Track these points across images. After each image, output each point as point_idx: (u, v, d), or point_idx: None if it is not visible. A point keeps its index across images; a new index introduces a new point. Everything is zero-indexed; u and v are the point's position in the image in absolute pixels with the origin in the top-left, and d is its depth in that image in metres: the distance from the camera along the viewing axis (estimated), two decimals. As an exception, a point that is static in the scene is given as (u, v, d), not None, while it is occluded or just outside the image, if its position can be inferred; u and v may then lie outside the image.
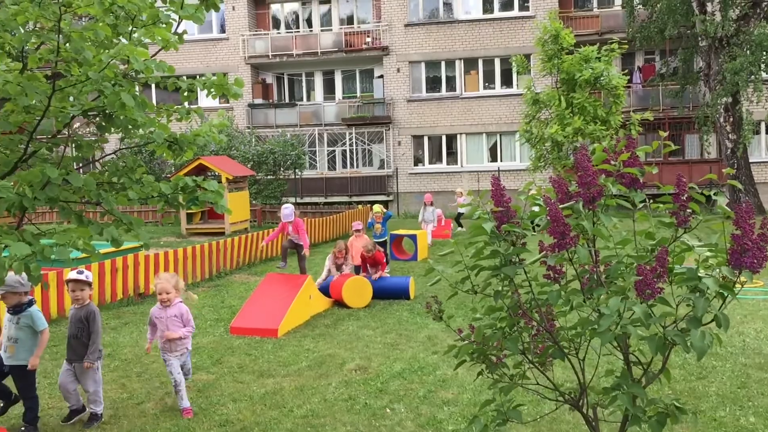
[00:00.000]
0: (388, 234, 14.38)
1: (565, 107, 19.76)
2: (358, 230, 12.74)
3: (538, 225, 3.23)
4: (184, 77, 4.69)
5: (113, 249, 11.33)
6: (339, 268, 11.46)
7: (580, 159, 3.01)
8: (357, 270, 11.92)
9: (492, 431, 3.39)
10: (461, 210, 20.55)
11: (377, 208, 14.51)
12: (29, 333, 5.92)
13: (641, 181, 3.12)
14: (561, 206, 3.07)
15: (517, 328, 3.47)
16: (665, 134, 3.41)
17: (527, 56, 25.07)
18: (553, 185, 3.21)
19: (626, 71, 23.37)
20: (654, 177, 6.17)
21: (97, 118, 4.26)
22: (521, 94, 25.49)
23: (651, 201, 3.18)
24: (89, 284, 6.20)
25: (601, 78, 19.66)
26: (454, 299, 4.03)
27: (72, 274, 6.19)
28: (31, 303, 6.01)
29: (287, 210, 11.68)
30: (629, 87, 26.21)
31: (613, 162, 3.12)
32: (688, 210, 3.00)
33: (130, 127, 4.27)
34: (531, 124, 21.39)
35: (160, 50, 4.45)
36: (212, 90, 4.54)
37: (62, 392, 6.19)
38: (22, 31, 3.94)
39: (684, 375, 7.08)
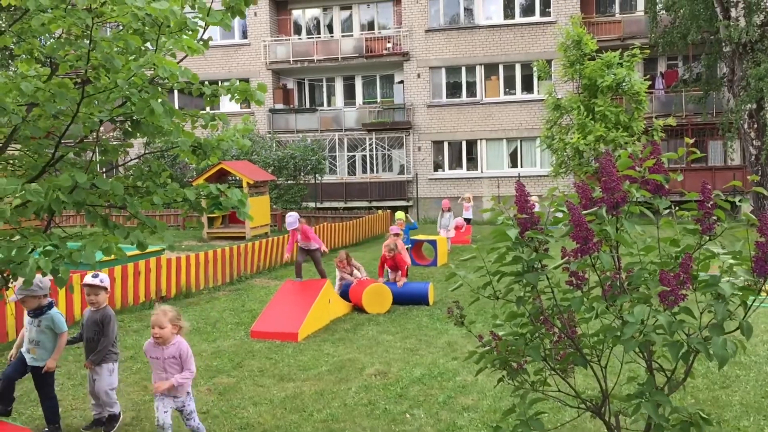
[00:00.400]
0: (409, 243, 14.23)
1: (586, 115, 19.64)
2: (396, 234, 12.52)
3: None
4: (206, 82, 4.75)
5: (136, 252, 11.47)
6: (345, 277, 11.53)
7: (604, 164, 3.00)
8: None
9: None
10: (467, 215, 20.48)
11: (400, 215, 14.24)
12: (50, 335, 6.00)
13: (666, 187, 3.11)
14: (584, 212, 3.06)
15: (538, 335, 3.47)
16: (691, 141, 3.39)
17: (548, 62, 24.99)
18: (577, 190, 3.21)
19: (648, 77, 23.23)
20: (677, 184, 6.12)
21: (125, 124, 4.32)
22: (542, 100, 25.40)
23: (676, 208, 3.17)
24: (105, 288, 6.17)
25: (623, 84, 19.52)
26: (474, 305, 4.04)
27: (87, 279, 6.15)
28: (50, 305, 6.07)
29: (291, 218, 11.34)
30: (651, 93, 26.02)
31: (637, 168, 3.12)
32: (713, 217, 2.98)
33: (156, 133, 4.33)
34: (552, 129, 21.29)
35: (185, 57, 4.51)
36: (236, 95, 4.59)
37: (92, 399, 6.19)
38: (52, 39, 4.02)
39: (707, 384, 7.00)
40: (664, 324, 2.78)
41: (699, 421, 3.04)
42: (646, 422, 3.29)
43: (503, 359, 3.48)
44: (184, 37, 4.34)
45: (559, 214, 3.35)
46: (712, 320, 2.99)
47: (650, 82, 22.00)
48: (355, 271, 11.52)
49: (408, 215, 14.49)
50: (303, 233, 11.24)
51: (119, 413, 6.22)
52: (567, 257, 3.16)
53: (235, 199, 4.57)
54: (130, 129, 4.45)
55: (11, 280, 3.87)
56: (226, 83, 4.71)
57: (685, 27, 23.48)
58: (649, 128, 20.03)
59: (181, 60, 4.54)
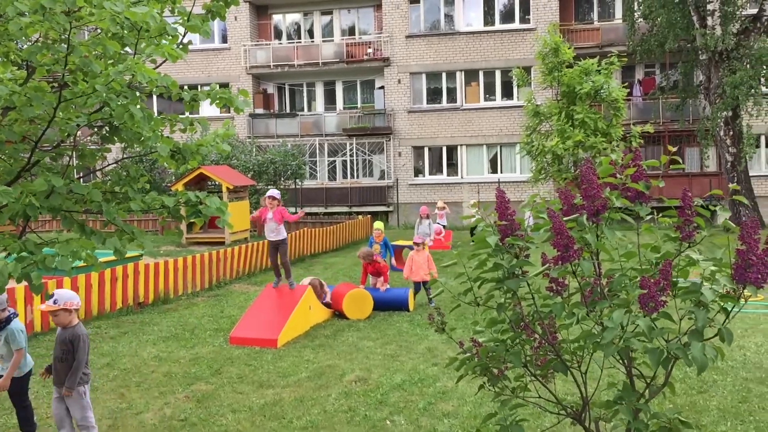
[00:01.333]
0: (387, 256, 13.70)
1: (566, 122, 19.79)
2: (417, 244, 11.95)
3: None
4: (186, 87, 4.71)
5: (113, 258, 11.34)
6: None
7: (585, 172, 3.02)
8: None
9: (494, 444, 3.38)
10: (441, 222, 20.43)
11: (378, 225, 13.72)
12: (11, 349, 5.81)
13: (647, 194, 3.13)
14: (565, 219, 3.07)
15: (519, 341, 3.47)
16: (674, 149, 3.42)
17: (527, 68, 25.16)
18: (559, 196, 3.22)
19: (626, 84, 23.43)
20: (655, 190, 6.17)
21: (103, 130, 4.27)
22: (522, 106, 25.54)
23: (659, 215, 3.19)
24: (66, 310, 5.60)
25: (602, 91, 19.69)
26: (454, 311, 4.04)
27: (42, 307, 5.75)
28: (9, 319, 5.78)
29: (274, 192, 10.60)
30: (629, 100, 26.28)
31: (619, 175, 3.13)
32: (693, 224, 3.01)
33: (134, 138, 4.29)
34: (532, 136, 21.41)
35: (164, 62, 4.47)
36: (216, 101, 4.55)
37: (56, 421, 5.71)
38: (29, 43, 3.96)
39: (685, 389, 7.06)
40: (644, 329, 2.79)
41: (678, 426, 3.05)
42: (626, 428, 3.30)
43: (484, 365, 3.48)
44: (164, 42, 4.31)
45: (540, 221, 3.36)
46: (691, 327, 3.01)
47: (628, 90, 22.20)
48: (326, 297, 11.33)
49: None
50: (279, 213, 10.33)
51: None
52: (548, 264, 3.17)
53: (214, 207, 4.53)
54: (108, 134, 4.40)
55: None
56: (206, 88, 4.68)
57: (663, 35, 23.76)
58: (628, 134, 20.22)
59: (160, 64, 4.50)
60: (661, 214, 3.25)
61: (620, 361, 3.34)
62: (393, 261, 15.78)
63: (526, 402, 3.63)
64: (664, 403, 6.29)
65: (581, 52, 24.94)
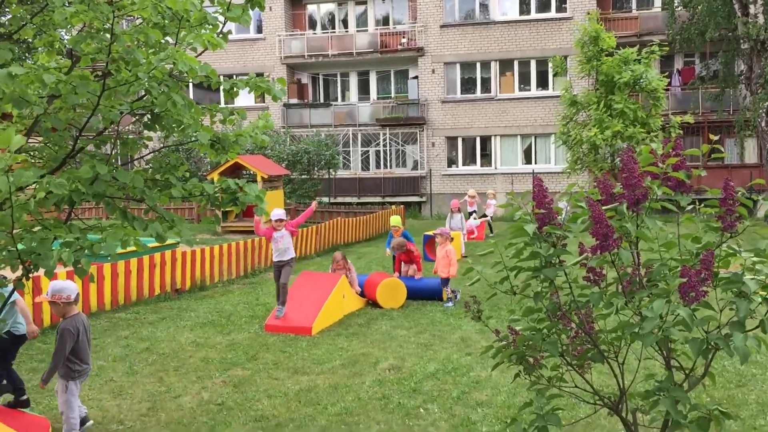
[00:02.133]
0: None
1: (604, 111, 19.53)
2: (437, 235, 11.82)
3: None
4: (221, 77, 4.77)
5: (153, 244, 11.56)
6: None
7: (626, 161, 2.99)
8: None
9: (530, 434, 3.39)
10: (470, 209, 20.17)
11: (395, 220, 13.06)
12: None
13: (688, 184, 3.09)
14: (604, 208, 3.05)
15: (555, 331, 3.46)
16: (715, 138, 3.37)
17: (564, 57, 24.87)
18: (598, 186, 3.20)
19: (665, 74, 23.04)
20: (694, 180, 6.10)
21: (145, 117, 4.36)
22: (557, 96, 25.26)
23: (701, 205, 3.15)
24: (53, 302, 5.65)
25: (641, 80, 19.38)
26: (488, 301, 4.04)
27: (38, 299, 5.91)
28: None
29: (279, 212, 10.11)
30: (668, 90, 25.82)
31: (659, 164, 3.10)
32: (736, 214, 2.97)
33: (175, 126, 4.36)
34: (568, 126, 21.18)
35: (204, 51, 4.54)
36: (255, 89, 4.61)
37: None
38: (74, 32, 4.05)
39: (723, 383, 6.97)
40: (685, 317, 2.76)
41: (719, 417, 3.03)
42: (664, 419, 3.28)
43: (520, 354, 3.48)
44: (204, 31, 4.37)
45: (578, 210, 3.34)
46: (732, 317, 2.98)
47: (667, 79, 21.82)
48: (351, 274, 11.18)
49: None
50: (288, 230, 9.90)
51: None
52: (586, 253, 3.15)
53: (252, 195, 4.60)
54: (149, 122, 4.49)
55: (33, 271, 3.92)
56: (243, 77, 4.73)
57: (703, 24, 23.27)
58: (666, 125, 19.90)
59: (200, 53, 4.56)
60: (702, 204, 3.21)
61: (659, 351, 3.31)
62: (426, 250, 15.79)
63: (562, 392, 3.62)
64: (703, 396, 6.22)
65: (619, 41, 24.49)
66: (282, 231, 9.83)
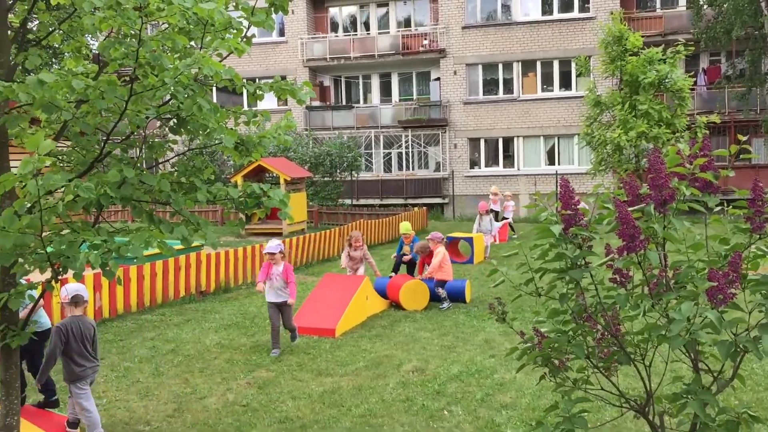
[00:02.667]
0: (418, 258, 12.52)
1: (628, 112, 19.34)
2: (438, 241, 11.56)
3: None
4: (245, 80, 4.81)
5: (177, 247, 11.67)
6: (355, 263, 11.35)
7: (653, 161, 2.97)
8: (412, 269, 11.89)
9: (556, 436, 3.36)
10: (494, 207, 19.89)
11: (405, 227, 12.76)
12: None
13: (716, 185, 3.06)
14: (631, 209, 3.03)
15: (581, 332, 3.44)
16: (744, 138, 3.33)
17: (587, 58, 24.68)
18: (624, 187, 3.17)
19: (691, 73, 22.78)
20: (722, 181, 6.03)
21: (171, 122, 4.41)
22: (580, 97, 25.08)
23: (728, 206, 3.12)
24: (65, 303, 5.84)
25: (666, 80, 19.18)
26: (512, 303, 4.02)
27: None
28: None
29: (274, 243, 8.93)
30: (693, 89, 25.52)
31: (687, 165, 3.07)
32: (765, 215, 2.93)
33: (200, 130, 4.41)
34: (592, 126, 21.01)
35: (228, 55, 4.58)
36: (279, 93, 4.64)
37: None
38: (101, 38, 4.11)
39: (751, 385, 6.87)
40: (713, 320, 2.73)
41: (748, 420, 2.99)
42: (692, 422, 3.25)
43: (545, 356, 3.46)
44: (229, 36, 4.41)
45: (604, 211, 3.31)
46: (762, 320, 2.94)
47: (693, 79, 21.56)
48: (370, 261, 11.31)
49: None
50: (286, 271, 8.60)
51: None
52: (612, 255, 3.13)
53: (276, 199, 4.63)
54: (175, 126, 4.54)
55: (62, 273, 3.98)
56: (268, 81, 4.77)
57: (729, 22, 22.97)
58: (692, 125, 19.67)
59: (225, 57, 4.61)
60: (731, 206, 3.17)
61: (686, 354, 3.28)
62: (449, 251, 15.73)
63: (588, 394, 3.60)
64: (731, 399, 6.14)
65: (644, 40, 24.29)
66: (281, 266, 8.62)
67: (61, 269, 3.97)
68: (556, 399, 3.56)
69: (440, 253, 11.17)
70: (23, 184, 3.45)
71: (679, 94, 19.44)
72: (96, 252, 3.75)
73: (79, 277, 3.97)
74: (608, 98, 20.55)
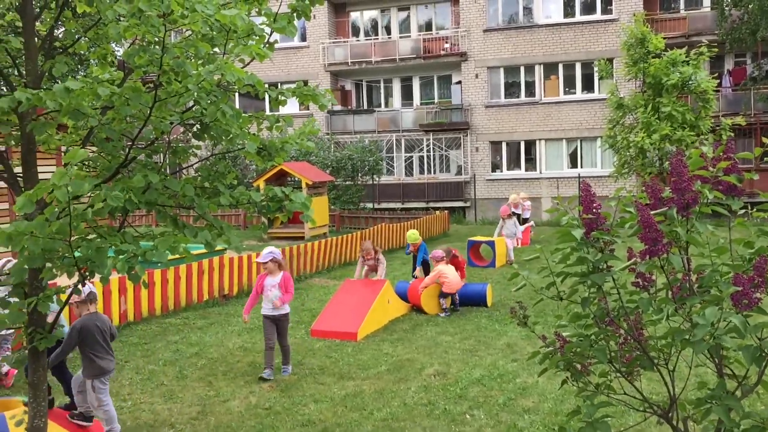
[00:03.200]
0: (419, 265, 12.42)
1: (651, 114, 19.15)
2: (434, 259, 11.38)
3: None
4: (266, 85, 4.85)
5: (201, 251, 11.78)
6: (371, 269, 11.13)
7: (675, 164, 2.95)
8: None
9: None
10: (516, 211, 19.68)
11: (414, 235, 12.53)
12: None
13: (740, 188, 3.03)
14: (653, 212, 3.01)
15: (603, 337, 3.42)
16: (768, 140, 3.29)
17: (609, 60, 24.49)
18: (646, 190, 3.16)
19: (716, 74, 22.49)
20: (746, 184, 5.97)
21: (194, 127, 4.46)
22: (603, 99, 24.90)
23: (752, 209, 3.09)
24: (75, 302, 5.99)
25: (690, 82, 18.98)
26: (534, 307, 4.01)
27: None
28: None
29: (268, 251, 8.23)
30: (718, 91, 25.22)
31: (710, 168, 3.05)
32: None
33: (223, 136, 4.45)
34: (615, 129, 20.85)
35: (251, 61, 4.62)
36: (301, 98, 4.67)
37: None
38: (125, 45, 4.18)
39: (779, 391, 6.77)
40: (738, 325, 2.71)
41: (773, 427, 2.95)
42: (716, 427, 3.22)
43: (568, 360, 3.45)
44: (251, 42, 4.45)
45: (626, 215, 3.30)
46: (787, 324, 2.91)
47: (717, 81, 21.29)
48: (380, 266, 10.99)
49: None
50: (285, 282, 7.95)
51: None
52: (634, 258, 3.11)
53: (299, 202, 4.65)
54: (198, 132, 4.59)
55: (89, 278, 4.04)
56: (285, 86, 4.81)
57: (755, 22, 22.69)
58: (717, 127, 19.44)
59: (247, 64, 4.65)
60: (755, 209, 3.14)
61: (710, 358, 3.25)
62: (470, 255, 15.70)
63: (611, 399, 3.58)
64: (757, 404, 6.06)
65: (667, 42, 24.06)
66: (277, 278, 7.96)
67: (87, 273, 4.03)
68: (579, 403, 3.54)
69: (436, 271, 10.98)
70: (51, 190, 3.52)
71: (703, 96, 19.22)
72: (122, 257, 3.81)
73: (105, 282, 4.03)
74: (631, 101, 20.38)
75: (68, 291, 4.47)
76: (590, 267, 3.24)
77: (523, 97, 29.08)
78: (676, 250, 3.10)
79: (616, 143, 20.52)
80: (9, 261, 6.94)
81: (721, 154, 3.10)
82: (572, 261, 3.31)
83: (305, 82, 4.93)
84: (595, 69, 22.28)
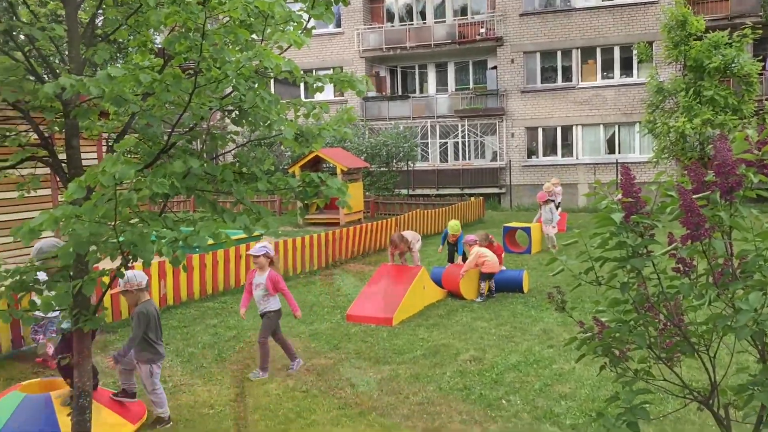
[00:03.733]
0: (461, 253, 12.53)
1: (693, 98, 18.77)
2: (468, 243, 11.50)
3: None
4: (302, 72, 4.88)
5: (239, 236, 11.93)
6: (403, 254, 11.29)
7: (719, 147, 2.90)
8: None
9: (619, 429, 3.33)
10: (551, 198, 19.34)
11: (454, 227, 12.59)
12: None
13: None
14: (696, 196, 2.97)
15: (643, 322, 3.39)
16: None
17: (649, 44, 24.01)
18: (688, 174, 3.11)
19: (760, 57, 21.89)
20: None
21: (233, 114, 4.51)
22: (642, 84, 24.46)
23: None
24: (127, 291, 6.05)
25: (733, 65, 18.54)
26: (571, 293, 3.99)
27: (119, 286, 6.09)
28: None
29: (260, 245, 7.80)
30: (762, 74, 24.59)
31: (755, 151, 2.99)
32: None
33: (261, 123, 4.50)
34: (654, 114, 20.48)
35: (288, 47, 4.65)
36: (338, 84, 4.69)
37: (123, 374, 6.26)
38: (165, 33, 4.24)
39: (823, 380, 6.63)
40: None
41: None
42: (758, 414, 3.17)
43: (606, 346, 3.43)
44: (289, 28, 4.48)
45: (667, 200, 3.26)
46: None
47: (761, 63, 20.75)
48: (414, 255, 11.27)
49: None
50: (271, 281, 7.50)
51: (168, 417, 6.13)
52: (675, 243, 3.08)
53: (335, 188, 4.68)
54: (237, 118, 4.64)
55: (131, 261, 4.13)
56: (321, 72, 4.84)
57: (801, 2, 22.03)
58: (761, 111, 18.98)
59: (285, 50, 4.68)
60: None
61: (753, 344, 3.20)
62: (506, 242, 15.62)
63: (650, 385, 3.55)
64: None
65: (709, 24, 23.51)
66: (264, 275, 7.53)
67: (130, 257, 4.12)
68: (617, 390, 3.52)
69: (474, 253, 10.98)
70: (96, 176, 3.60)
71: (747, 79, 18.79)
72: (164, 241, 3.88)
73: (147, 266, 4.12)
74: (671, 84, 19.99)
75: (110, 275, 4.58)
76: (629, 252, 3.21)
77: (559, 82, 28.70)
78: (718, 234, 3.05)
79: (655, 128, 20.18)
80: (56, 242, 6.93)
81: (766, 137, 3.03)
82: (611, 246, 3.28)
83: (340, 69, 4.94)
84: (634, 53, 21.86)
